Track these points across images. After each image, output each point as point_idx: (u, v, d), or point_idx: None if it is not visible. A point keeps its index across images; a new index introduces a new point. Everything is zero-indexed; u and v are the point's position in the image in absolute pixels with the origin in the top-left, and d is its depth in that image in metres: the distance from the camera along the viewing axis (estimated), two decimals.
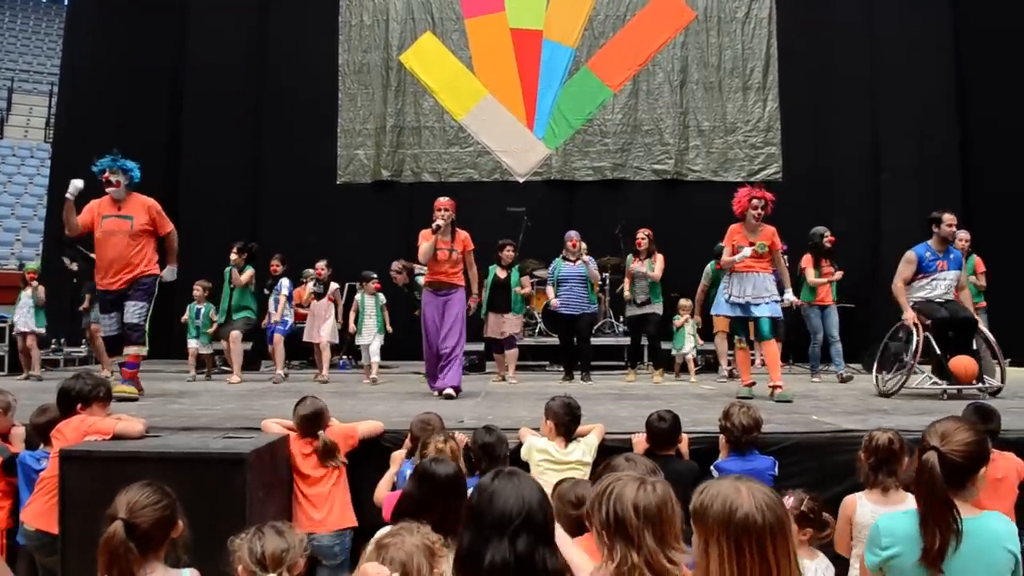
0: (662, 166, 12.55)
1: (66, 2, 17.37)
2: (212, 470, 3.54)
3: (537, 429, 4.41)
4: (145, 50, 12.44)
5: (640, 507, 1.96)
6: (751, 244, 6.76)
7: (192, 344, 9.30)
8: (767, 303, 6.77)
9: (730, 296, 6.90)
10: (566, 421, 4.17)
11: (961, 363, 6.52)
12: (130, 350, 6.70)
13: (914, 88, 11.97)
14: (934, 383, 6.75)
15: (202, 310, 9.32)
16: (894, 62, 12.12)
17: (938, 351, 6.76)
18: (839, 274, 8.97)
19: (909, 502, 3.32)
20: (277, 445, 4.08)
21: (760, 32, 12.65)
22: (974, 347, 6.83)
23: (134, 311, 6.62)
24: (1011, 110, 11.64)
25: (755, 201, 6.87)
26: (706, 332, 9.57)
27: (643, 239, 8.98)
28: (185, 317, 9.43)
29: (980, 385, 6.56)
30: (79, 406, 4.15)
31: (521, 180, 12.48)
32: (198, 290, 9.30)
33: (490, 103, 12.51)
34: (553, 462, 4.01)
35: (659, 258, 8.98)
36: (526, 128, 12.53)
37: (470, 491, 3.85)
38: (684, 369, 9.38)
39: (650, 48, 12.60)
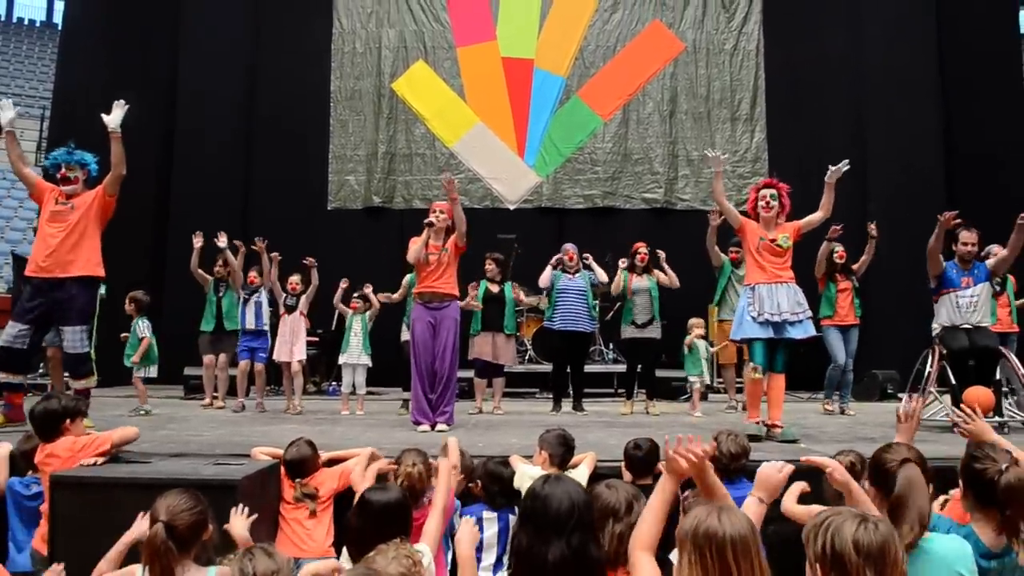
0: (652, 195, 12.66)
1: (59, 27, 17.44)
2: (203, 496, 3.53)
3: (528, 457, 4.43)
4: (137, 75, 12.48)
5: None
6: (772, 240, 5.90)
7: (138, 372, 8.15)
8: (802, 321, 5.80)
9: (760, 314, 5.78)
10: (560, 453, 4.19)
11: (973, 394, 5.87)
12: (77, 384, 5.94)
13: (901, 119, 12.12)
14: (946, 415, 6.34)
15: (132, 326, 8.17)
16: (880, 94, 12.28)
17: (953, 381, 6.29)
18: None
19: None
20: (267, 473, 4.09)
21: (748, 64, 12.83)
22: (997, 377, 6.37)
23: (72, 339, 5.81)
24: (996, 138, 11.82)
25: (764, 191, 6.07)
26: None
27: (646, 253, 8.43)
28: (126, 335, 8.32)
29: (999, 419, 6.05)
30: (67, 423, 4.11)
31: (512, 207, 12.56)
32: (127, 304, 8.18)
33: (481, 131, 12.61)
34: None
35: (659, 275, 8.42)
36: (517, 156, 12.63)
37: (462, 516, 3.90)
38: (703, 397, 8.49)
39: (640, 78, 12.75)
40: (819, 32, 12.67)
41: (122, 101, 6.13)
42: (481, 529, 3.90)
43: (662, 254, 8.54)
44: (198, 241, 8.63)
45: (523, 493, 4.01)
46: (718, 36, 12.92)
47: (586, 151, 12.76)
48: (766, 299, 5.80)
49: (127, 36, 12.50)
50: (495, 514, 3.94)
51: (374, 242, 12.33)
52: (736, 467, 4.09)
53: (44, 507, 3.90)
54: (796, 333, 5.79)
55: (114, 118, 6.09)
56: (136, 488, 3.53)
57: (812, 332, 5.95)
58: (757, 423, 5.85)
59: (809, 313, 5.90)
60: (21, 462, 4.37)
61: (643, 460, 4.16)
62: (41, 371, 10.77)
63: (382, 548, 2.42)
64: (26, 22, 30.92)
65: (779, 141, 12.56)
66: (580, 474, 4.22)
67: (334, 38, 12.96)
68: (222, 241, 8.65)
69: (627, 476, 4.15)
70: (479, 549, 3.85)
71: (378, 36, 12.98)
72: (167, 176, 12.57)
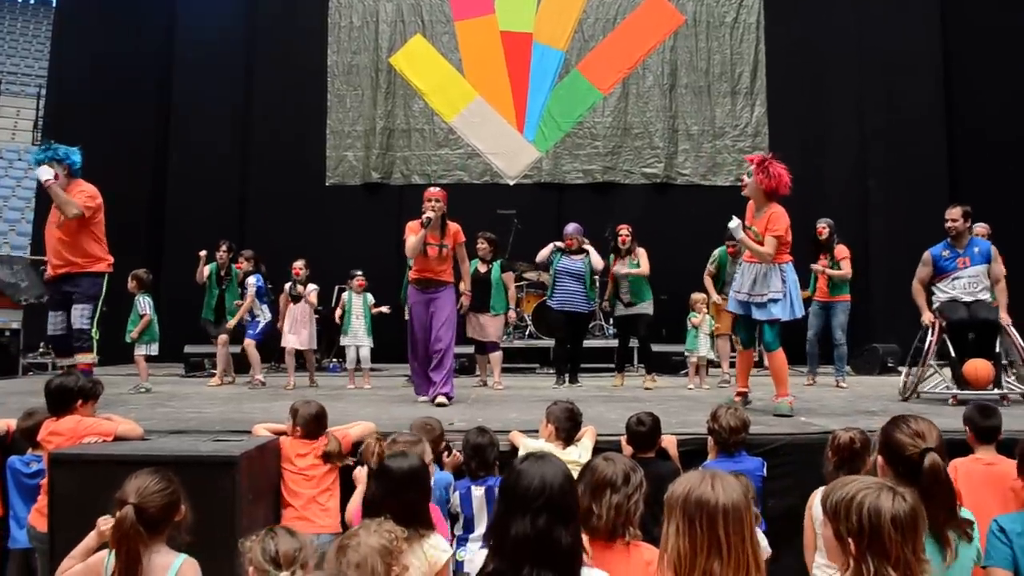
0: (652, 169, 12.59)
1: (53, 3, 17.31)
2: (202, 473, 3.51)
3: (527, 432, 4.43)
4: (132, 51, 12.42)
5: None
6: (750, 229, 5.94)
7: (139, 350, 8.19)
8: (766, 304, 5.84)
9: (735, 290, 6.11)
10: (567, 427, 4.18)
11: (972, 367, 6.15)
12: (79, 358, 6.36)
13: (902, 94, 12.07)
14: (946, 387, 6.42)
15: (133, 303, 8.19)
16: (881, 67, 12.21)
17: (952, 353, 6.42)
18: (835, 270, 8.55)
19: None
20: (267, 448, 4.07)
21: (748, 37, 12.72)
22: (997, 350, 6.42)
23: (77, 315, 6.34)
24: (998, 116, 11.76)
25: (748, 168, 6.02)
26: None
27: (627, 236, 8.44)
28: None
29: (999, 391, 6.17)
30: (79, 403, 4.10)
31: (511, 182, 12.51)
32: (130, 282, 8.16)
33: (480, 105, 12.54)
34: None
35: (641, 253, 8.43)
36: (516, 131, 12.56)
37: (456, 491, 3.90)
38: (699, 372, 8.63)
39: (639, 52, 12.65)
40: (820, 5, 12.57)
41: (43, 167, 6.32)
42: (468, 502, 3.92)
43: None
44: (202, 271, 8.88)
45: None
46: (718, 9, 12.79)
47: (586, 125, 12.67)
48: (739, 277, 6.09)
49: (121, 13, 12.42)
50: (482, 487, 3.97)
51: (373, 218, 12.29)
52: (735, 441, 4.10)
53: (44, 481, 3.91)
54: (758, 315, 5.88)
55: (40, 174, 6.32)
56: (135, 465, 3.49)
57: (775, 316, 5.84)
58: (740, 393, 6.17)
59: (777, 296, 5.81)
60: (21, 440, 4.37)
61: (646, 435, 4.16)
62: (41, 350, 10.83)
63: (365, 523, 2.43)
64: (20, 0, 30.67)
65: (780, 115, 12.48)
66: (585, 444, 4.22)
67: (330, 12, 12.83)
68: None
69: (627, 450, 4.16)
70: (469, 523, 3.89)
71: (375, 10, 12.85)
72: (164, 153, 12.52)
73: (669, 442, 4.34)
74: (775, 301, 5.82)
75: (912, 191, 11.63)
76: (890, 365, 9.99)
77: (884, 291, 11.14)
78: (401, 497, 2.81)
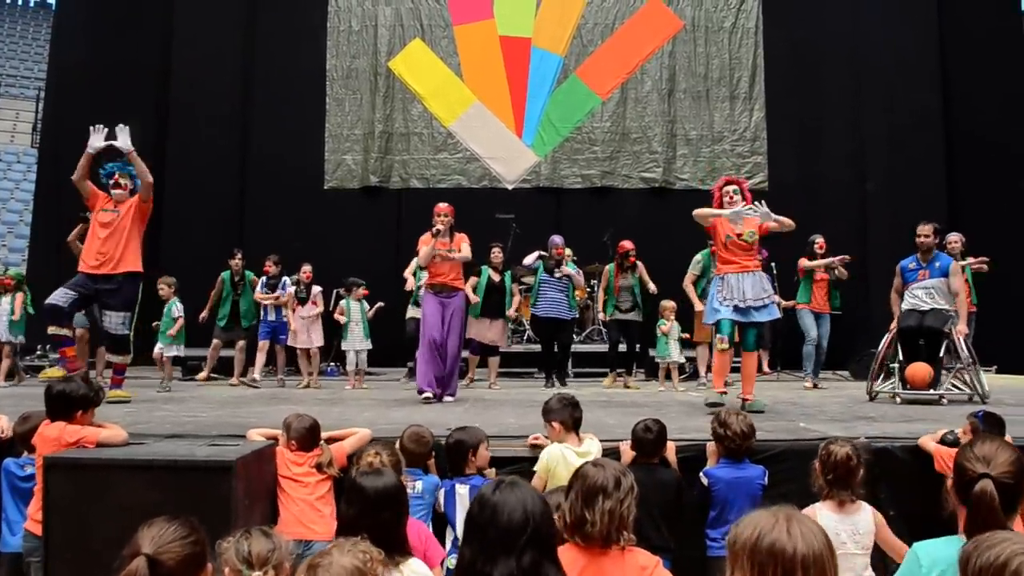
0: (650, 174, 12.59)
1: (53, 6, 17.30)
2: (197, 478, 3.49)
3: (529, 440, 4.42)
4: (132, 55, 12.40)
5: None
6: (739, 236, 6.21)
7: (157, 349, 8.70)
8: (767, 306, 6.20)
9: (725, 299, 6.17)
10: (568, 415, 4.16)
11: (911, 369, 6.80)
12: (114, 358, 6.97)
13: (899, 97, 12.08)
14: (891, 387, 7.04)
15: (165, 308, 8.67)
16: (879, 71, 12.23)
17: (900, 357, 7.02)
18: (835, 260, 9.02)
19: (865, 512, 3.50)
20: (263, 453, 4.05)
21: (747, 42, 12.73)
22: (941, 355, 6.95)
23: (117, 322, 6.76)
24: (995, 119, 11.77)
25: (728, 188, 6.43)
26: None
27: (635, 256, 9.06)
28: (157, 323, 8.83)
29: (938, 392, 6.72)
30: (79, 413, 4.05)
31: (510, 187, 12.50)
32: (163, 288, 8.63)
33: (479, 110, 12.54)
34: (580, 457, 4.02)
35: (642, 268, 9.09)
36: (515, 135, 12.56)
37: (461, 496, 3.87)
38: (668, 377, 9.02)
39: (638, 57, 12.66)
40: (818, 10, 12.59)
41: (123, 125, 6.84)
42: (452, 501, 3.94)
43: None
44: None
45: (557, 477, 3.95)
46: (717, 14, 12.81)
47: (584, 130, 12.69)
48: (734, 287, 6.21)
49: (121, 15, 12.41)
50: (467, 484, 3.97)
51: (371, 221, 12.29)
52: (745, 447, 4.05)
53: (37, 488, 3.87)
54: (761, 316, 6.24)
55: (124, 143, 6.81)
56: (131, 470, 3.50)
57: (776, 315, 6.54)
58: (721, 392, 6.28)
59: (775, 298, 6.44)
60: (16, 443, 4.34)
61: (653, 442, 4.12)
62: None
63: (340, 542, 2.23)
64: (20, 2, 30.67)
65: (778, 119, 12.49)
66: (594, 443, 4.18)
67: (329, 16, 12.84)
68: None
69: (627, 456, 4.12)
70: (451, 525, 3.94)
71: (374, 14, 12.86)
72: (161, 156, 12.48)
73: (668, 449, 4.31)
74: (774, 301, 6.41)
75: (911, 194, 11.63)
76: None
77: (883, 295, 11.09)
78: (375, 518, 2.60)
